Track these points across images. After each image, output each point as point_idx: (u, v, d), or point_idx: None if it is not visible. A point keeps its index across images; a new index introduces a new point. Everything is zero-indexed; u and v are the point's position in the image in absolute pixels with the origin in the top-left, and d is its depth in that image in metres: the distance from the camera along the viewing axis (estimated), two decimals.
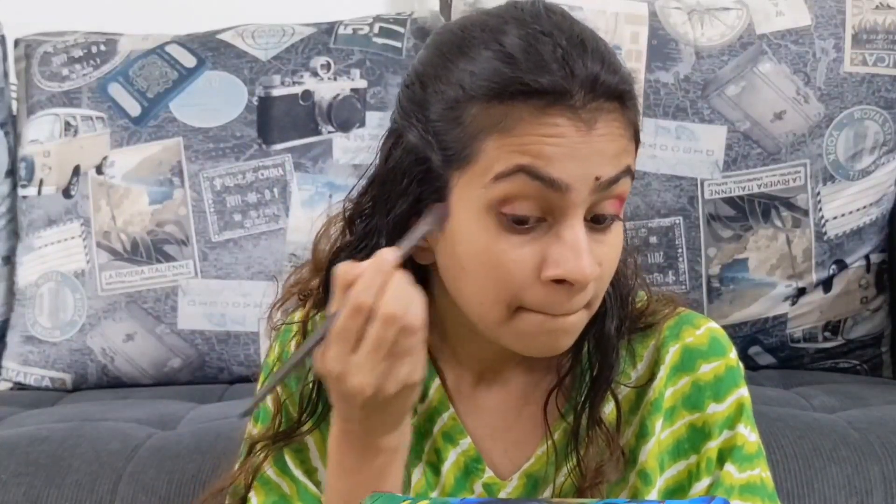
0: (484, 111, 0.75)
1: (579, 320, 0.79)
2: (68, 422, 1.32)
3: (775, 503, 0.86)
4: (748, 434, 0.85)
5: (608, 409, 0.86)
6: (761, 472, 0.86)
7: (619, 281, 0.85)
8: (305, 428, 0.88)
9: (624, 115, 0.77)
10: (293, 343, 0.91)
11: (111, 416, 1.35)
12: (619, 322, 0.85)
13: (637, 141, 0.80)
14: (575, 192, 0.74)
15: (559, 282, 0.76)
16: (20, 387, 1.60)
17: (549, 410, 0.86)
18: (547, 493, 0.86)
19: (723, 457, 0.85)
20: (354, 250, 0.83)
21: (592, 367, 0.85)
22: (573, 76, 0.74)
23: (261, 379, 0.96)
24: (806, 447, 1.18)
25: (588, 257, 0.75)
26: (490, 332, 0.81)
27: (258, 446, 0.89)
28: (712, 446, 0.85)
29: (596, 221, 0.77)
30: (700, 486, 0.85)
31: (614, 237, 0.79)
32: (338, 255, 0.85)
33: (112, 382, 1.58)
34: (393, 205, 0.80)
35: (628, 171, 0.77)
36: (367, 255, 0.78)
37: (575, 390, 0.87)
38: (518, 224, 0.75)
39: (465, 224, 0.77)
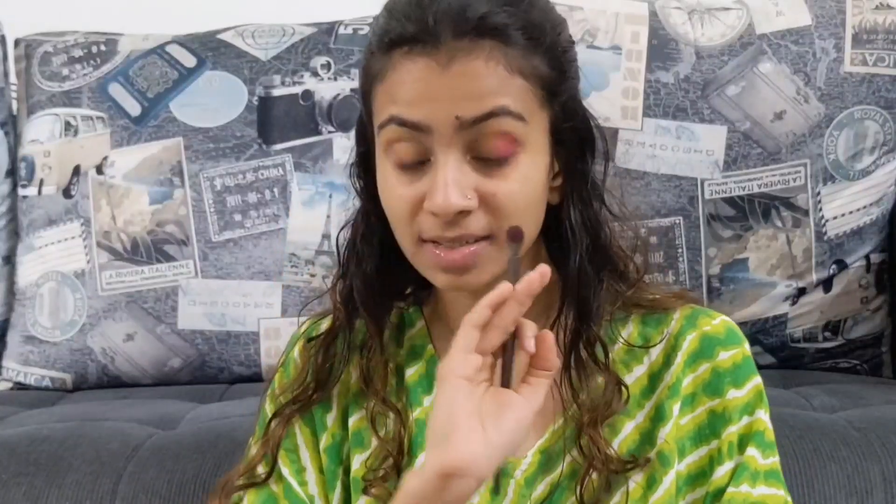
0: (374, 62, 0.84)
1: (476, 255, 0.83)
2: (68, 422, 1.32)
3: (788, 494, 0.88)
4: (768, 421, 0.88)
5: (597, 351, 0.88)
6: (778, 460, 0.89)
7: (588, 222, 0.87)
8: (315, 396, 0.92)
9: (501, 52, 0.80)
10: (296, 349, 0.93)
11: (111, 416, 1.35)
12: (594, 264, 0.87)
13: (543, 85, 0.82)
14: (438, 133, 0.80)
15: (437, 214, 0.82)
16: (20, 387, 1.60)
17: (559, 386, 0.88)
18: (561, 466, 0.87)
19: (744, 441, 0.87)
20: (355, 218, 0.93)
21: (571, 309, 0.87)
22: (427, 18, 0.79)
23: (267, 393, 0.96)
24: (806, 447, 1.18)
25: (451, 191, 0.80)
26: (413, 264, 0.87)
27: (276, 418, 0.93)
28: (733, 430, 0.87)
29: (486, 157, 0.81)
30: (723, 470, 0.87)
31: (514, 171, 0.82)
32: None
33: (112, 382, 1.58)
34: (356, 156, 0.92)
35: (504, 111, 0.80)
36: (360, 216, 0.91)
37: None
38: (404, 164, 0.82)
39: (378, 167, 0.86)
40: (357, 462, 0.91)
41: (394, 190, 0.84)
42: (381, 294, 0.92)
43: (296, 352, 0.95)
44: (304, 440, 0.93)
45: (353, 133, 1.51)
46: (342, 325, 0.92)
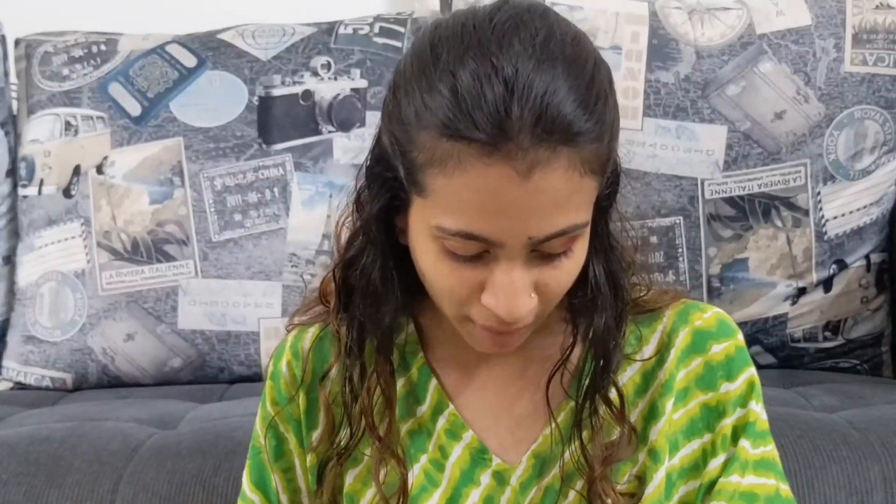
0: (433, 145, 0.74)
1: (523, 333, 0.83)
2: (69, 421, 1.32)
3: (784, 481, 0.88)
4: (760, 411, 0.88)
5: (611, 395, 0.87)
6: (773, 450, 0.88)
7: (614, 276, 0.86)
8: (354, 442, 0.90)
9: (576, 156, 0.73)
10: (283, 362, 0.92)
11: (112, 416, 1.35)
12: (615, 315, 0.86)
13: (603, 172, 0.78)
14: (509, 247, 0.76)
15: None
16: (21, 386, 1.60)
17: (553, 391, 0.87)
18: (555, 471, 0.87)
19: (737, 433, 0.87)
20: (351, 246, 0.87)
21: (592, 359, 0.87)
22: (509, 124, 0.71)
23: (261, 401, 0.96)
24: (806, 447, 1.18)
25: (520, 299, 0.77)
26: (455, 325, 0.84)
27: (328, 468, 0.91)
28: (727, 423, 0.87)
29: (545, 255, 0.78)
30: (716, 463, 0.87)
31: (568, 262, 0.79)
32: (346, 250, 0.88)
33: (112, 382, 1.58)
34: (368, 206, 0.84)
35: (576, 228, 0.77)
36: (359, 253, 0.85)
37: (578, 370, 0.88)
38: (461, 258, 0.77)
39: (419, 241, 0.80)
40: (350, 477, 0.91)
41: (446, 276, 0.78)
42: (394, 329, 0.89)
43: (283, 365, 0.93)
44: (299, 460, 0.93)
45: (353, 133, 1.51)
46: (352, 356, 0.89)
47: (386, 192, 0.81)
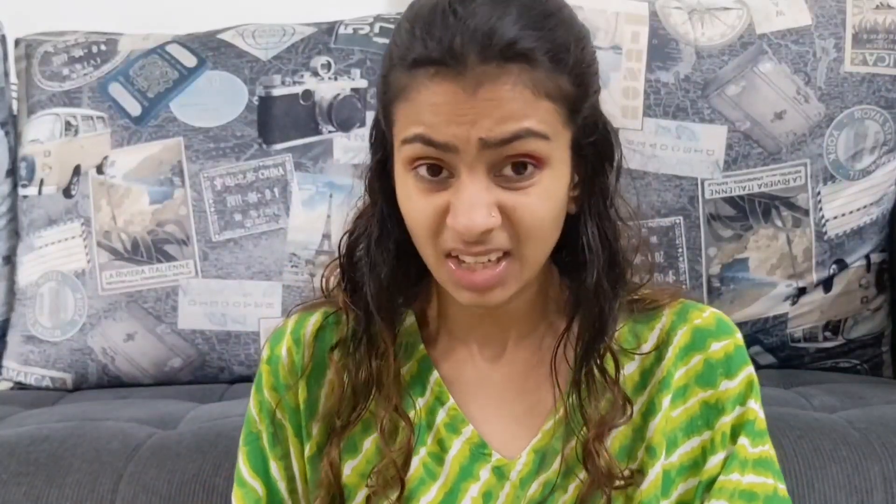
0: (397, 79, 0.82)
1: (499, 275, 0.83)
2: (69, 421, 1.32)
3: (782, 481, 0.89)
4: (759, 410, 0.89)
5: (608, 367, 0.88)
6: (770, 449, 0.89)
7: (606, 236, 0.88)
8: (355, 415, 0.91)
9: (527, 75, 0.79)
10: (283, 348, 0.92)
11: (112, 416, 1.35)
12: (611, 278, 0.87)
13: (568, 105, 0.82)
14: (463, 152, 0.79)
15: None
16: (21, 386, 1.60)
17: (558, 369, 0.88)
18: (555, 465, 0.88)
19: (736, 431, 0.88)
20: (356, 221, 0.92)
21: (586, 322, 0.87)
22: (453, 42, 0.78)
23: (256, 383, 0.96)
24: (806, 447, 1.18)
25: (476, 211, 0.80)
26: (435, 276, 0.86)
27: (329, 445, 0.92)
28: (726, 421, 0.88)
29: (510, 173, 0.81)
30: (715, 460, 0.88)
31: (536, 187, 0.82)
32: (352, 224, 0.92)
33: (112, 382, 1.58)
34: (371, 157, 0.90)
35: (528, 133, 0.80)
36: (361, 217, 0.91)
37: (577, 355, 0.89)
38: (428, 176, 0.82)
39: (398, 177, 0.85)
40: (348, 468, 0.91)
41: (416, 202, 0.83)
42: (395, 298, 0.92)
43: (283, 350, 0.93)
44: (294, 449, 0.93)
45: (353, 133, 1.53)
46: (361, 329, 0.91)
47: (380, 148, 0.89)
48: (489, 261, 0.82)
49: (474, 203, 0.80)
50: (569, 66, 0.81)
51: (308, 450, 0.93)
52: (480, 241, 0.81)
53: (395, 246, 0.89)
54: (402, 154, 0.82)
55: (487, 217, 0.80)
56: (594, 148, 0.86)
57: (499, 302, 0.84)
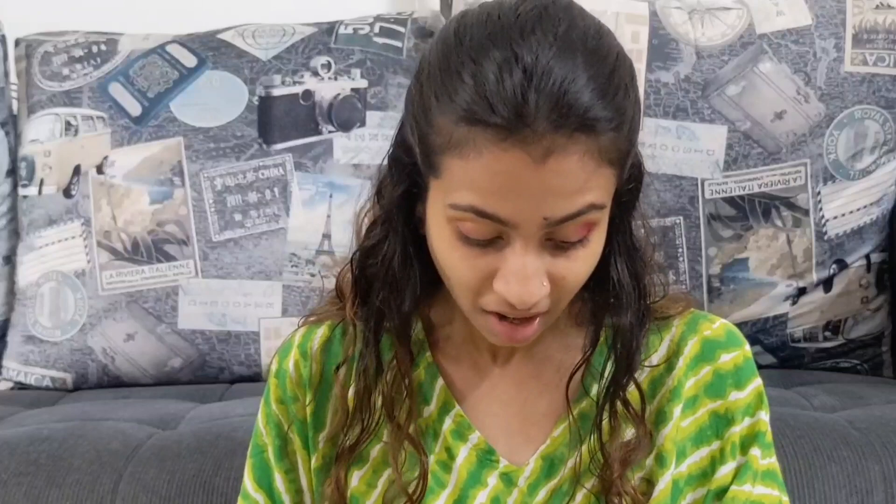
0: (451, 129, 0.75)
1: (539, 325, 0.82)
2: (69, 421, 1.32)
3: (786, 493, 0.89)
4: (768, 422, 0.89)
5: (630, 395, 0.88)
6: (776, 461, 0.89)
7: (637, 275, 0.87)
8: (365, 436, 0.89)
9: (594, 144, 0.74)
10: (291, 361, 0.92)
11: (112, 416, 1.35)
12: (639, 313, 0.87)
13: (622, 164, 0.79)
14: (522, 228, 0.75)
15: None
16: (21, 386, 1.60)
17: (570, 390, 0.87)
18: (563, 472, 0.87)
19: (746, 442, 0.88)
20: (371, 235, 0.87)
21: (613, 356, 0.87)
22: (528, 108, 0.72)
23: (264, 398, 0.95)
24: (806, 447, 1.18)
25: (532, 284, 0.77)
26: (466, 314, 0.84)
27: (337, 464, 0.90)
28: (735, 431, 0.88)
29: (559, 243, 0.78)
30: (725, 470, 0.88)
31: (584, 251, 0.79)
32: (365, 239, 0.88)
33: (113, 382, 1.58)
34: (389, 192, 0.84)
35: (591, 207, 0.76)
36: (379, 242, 0.85)
37: (590, 374, 0.88)
38: (476, 242, 0.77)
39: (434, 226, 0.80)
40: (356, 478, 0.90)
41: (459, 261, 0.79)
42: (413, 321, 0.89)
43: (290, 363, 0.92)
44: (302, 461, 0.93)
45: (353, 133, 1.51)
46: (369, 345, 0.89)
47: (406, 178, 0.82)
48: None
49: (529, 275, 0.76)
50: (629, 126, 0.77)
51: (315, 461, 0.92)
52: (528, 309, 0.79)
53: (419, 272, 0.86)
54: (446, 212, 0.77)
55: (540, 287, 0.77)
56: (630, 192, 0.85)
57: (527, 342, 0.84)
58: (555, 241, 0.77)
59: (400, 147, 0.83)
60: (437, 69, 0.77)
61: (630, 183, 0.84)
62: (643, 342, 0.87)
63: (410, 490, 0.86)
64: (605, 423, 0.86)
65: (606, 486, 0.85)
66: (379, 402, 0.88)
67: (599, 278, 0.84)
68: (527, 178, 0.73)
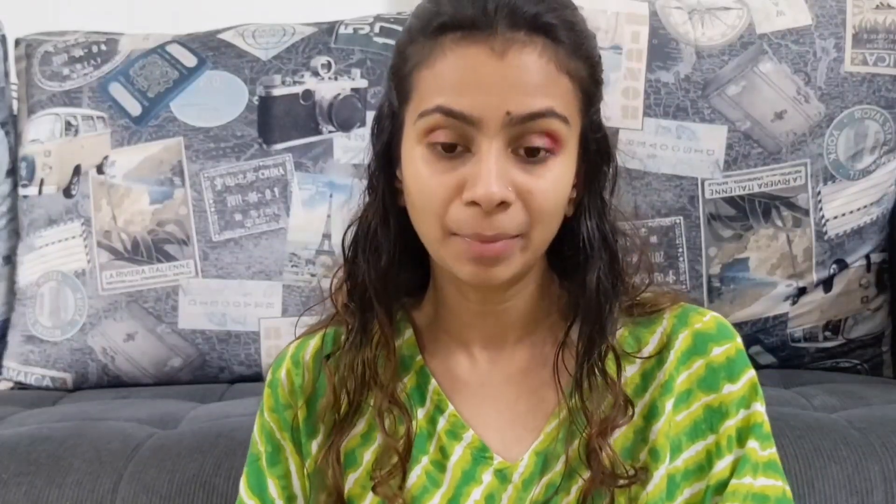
0: (417, 48, 0.82)
1: (508, 250, 0.83)
2: (69, 421, 1.33)
3: (787, 482, 0.89)
4: (764, 413, 0.89)
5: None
6: (775, 451, 0.90)
7: (605, 236, 0.88)
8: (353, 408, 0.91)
9: (552, 49, 0.80)
10: (283, 371, 0.93)
11: (112, 416, 1.35)
12: (610, 277, 0.88)
13: (584, 91, 0.83)
14: (486, 125, 0.79)
15: (475, 204, 0.80)
16: (21, 386, 1.60)
17: (560, 373, 0.88)
18: (558, 467, 0.88)
19: (743, 434, 0.88)
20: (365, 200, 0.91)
21: (587, 321, 0.88)
22: (486, 6, 0.79)
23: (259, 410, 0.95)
24: (806, 447, 1.18)
25: (496, 180, 0.80)
26: (436, 255, 0.86)
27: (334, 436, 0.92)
28: (731, 424, 0.88)
29: (526, 153, 0.81)
30: (723, 464, 0.88)
31: (550, 172, 0.82)
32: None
33: (113, 382, 1.58)
34: (375, 145, 0.89)
35: (552, 113, 0.80)
36: (364, 213, 0.90)
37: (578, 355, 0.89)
38: (443, 152, 0.81)
39: (407, 154, 0.84)
40: (350, 481, 0.91)
41: (428, 178, 0.82)
42: (393, 288, 0.91)
43: (282, 373, 0.94)
44: (296, 467, 0.93)
45: (353, 133, 1.53)
46: (356, 327, 0.91)
47: (385, 132, 0.88)
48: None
49: (494, 173, 0.80)
50: (586, 53, 0.83)
51: (308, 466, 0.93)
52: (494, 219, 0.81)
53: (395, 234, 0.89)
54: (416, 128, 0.82)
55: (505, 189, 0.80)
56: (597, 146, 0.87)
57: (501, 280, 0.84)
58: (519, 156, 0.81)
59: (378, 112, 0.89)
60: (410, 17, 0.85)
61: (596, 133, 0.87)
62: (615, 306, 0.88)
63: (400, 448, 0.88)
64: (584, 386, 0.87)
65: (588, 442, 0.86)
66: (361, 366, 0.90)
67: (572, 246, 0.88)
68: (489, 72, 0.79)
